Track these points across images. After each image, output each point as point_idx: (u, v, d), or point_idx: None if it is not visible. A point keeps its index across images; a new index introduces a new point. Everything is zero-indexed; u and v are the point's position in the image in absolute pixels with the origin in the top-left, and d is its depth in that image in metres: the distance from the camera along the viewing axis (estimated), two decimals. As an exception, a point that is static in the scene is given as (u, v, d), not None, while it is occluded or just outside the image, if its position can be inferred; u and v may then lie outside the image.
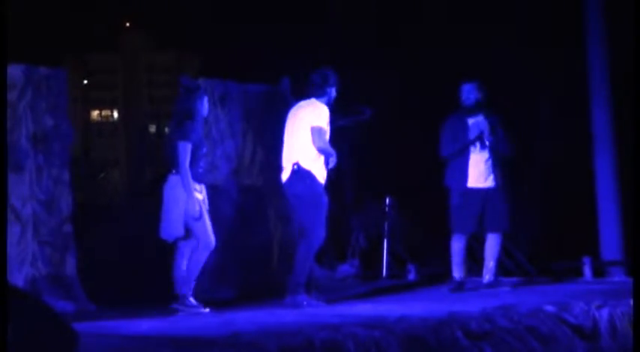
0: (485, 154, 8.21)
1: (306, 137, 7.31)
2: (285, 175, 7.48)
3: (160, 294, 7.18)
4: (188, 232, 6.98)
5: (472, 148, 8.21)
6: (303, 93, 7.68)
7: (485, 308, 6.07)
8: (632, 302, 6.33)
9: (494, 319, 5.78)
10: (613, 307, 6.28)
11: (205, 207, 7.08)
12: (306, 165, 7.31)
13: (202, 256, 7.01)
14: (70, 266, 7.63)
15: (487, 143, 8.16)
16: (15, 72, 7.46)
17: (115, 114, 71.09)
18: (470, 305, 6.34)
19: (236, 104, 8.83)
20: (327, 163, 7.38)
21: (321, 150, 7.28)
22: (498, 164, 8.23)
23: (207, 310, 7.00)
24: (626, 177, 9.58)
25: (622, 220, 9.77)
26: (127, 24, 67.89)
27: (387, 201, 10.20)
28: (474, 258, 8.78)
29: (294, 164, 7.36)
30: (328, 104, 7.49)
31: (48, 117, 7.64)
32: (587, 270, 9.28)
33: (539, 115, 11.60)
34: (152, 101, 68.02)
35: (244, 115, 8.88)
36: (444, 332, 5.45)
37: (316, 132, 7.25)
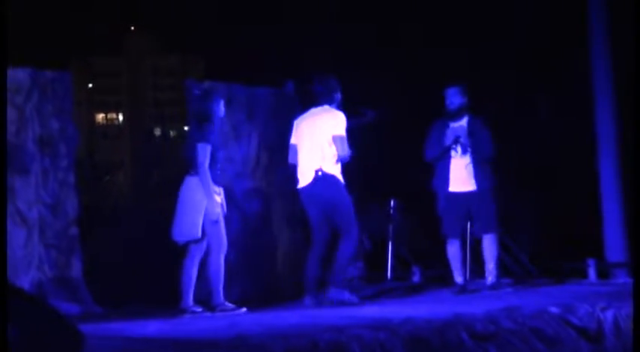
0: (467, 158, 8.20)
1: (326, 144, 7.55)
2: (304, 181, 7.68)
3: (165, 296, 7.19)
4: (202, 235, 7.00)
5: (453, 152, 8.21)
6: (310, 99, 7.84)
7: (489, 310, 6.06)
8: (632, 302, 6.31)
9: (498, 321, 5.76)
10: (618, 309, 6.26)
11: (223, 211, 7.14)
12: (328, 169, 7.56)
13: (219, 260, 7.04)
14: (76, 268, 7.66)
15: (461, 148, 8.15)
16: (21, 75, 7.50)
17: (120, 117, 71.20)
18: (474, 307, 6.33)
19: (240, 107, 8.83)
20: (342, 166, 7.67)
21: (346, 158, 7.58)
22: (480, 167, 8.18)
23: (244, 309, 7.08)
24: (630, 178, 9.57)
25: (626, 221, 9.75)
26: (132, 27, 68.02)
27: (392, 203, 10.21)
28: (478, 260, 8.77)
29: (317, 170, 7.58)
30: (337, 109, 7.71)
31: (54, 120, 7.68)
32: (592, 272, 9.27)
33: (542, 115, 11.60)
34: (157, 104, 68.13)
35: (248, 118, 8.89)
36: (448, 334, 5.44)
37: (339, 140, 7.52)
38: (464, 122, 8.30)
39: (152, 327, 6.00)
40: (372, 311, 6.83)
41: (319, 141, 7.58)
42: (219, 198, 7.05)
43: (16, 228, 7.29)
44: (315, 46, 11.48)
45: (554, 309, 6.08)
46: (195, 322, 6.48)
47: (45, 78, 7.68)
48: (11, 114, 7.31)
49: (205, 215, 6.92)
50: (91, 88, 67.84)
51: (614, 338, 6.13)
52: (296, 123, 7.85)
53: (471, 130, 8.23)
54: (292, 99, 9.08)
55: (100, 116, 70.75)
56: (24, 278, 7.27)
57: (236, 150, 8.76)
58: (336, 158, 7.56)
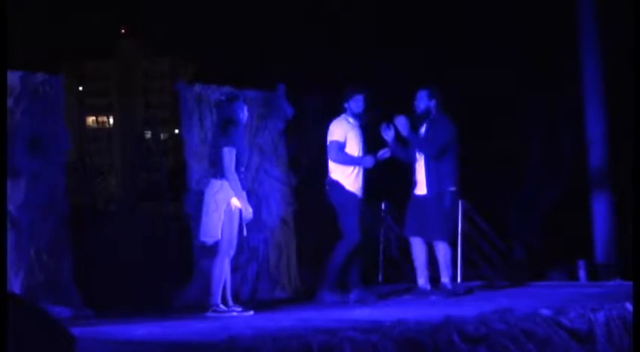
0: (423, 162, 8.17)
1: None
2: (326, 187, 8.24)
3: (156, 299, 7.17)
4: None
5: (418, 156, 8.20)
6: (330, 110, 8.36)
7: (481, 312, 6.05)
8: (629, 305, 6.31)
9: (490, 322, 5.74)
10: (608, 310, 6.26)
11: (241, 217, 7.17)
12: (334, 176, 8.11)
13: (224, 262, 7.14)
14: (66, 271, 7.63)
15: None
16: (12, 78, 7.47)
17: (111, 120, 71.05)
18: (466, 309, 6.33)
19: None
20: (361, 170, 8.10)
21: (335, 161, 8.07)
22: (433, 171, 8.11)
23: (240, 309, 7.10)
24: (620, 180, 9.58)
25: (616, 223, 9.76)
26: (123, 31, 67.89)
27: (383, 205, 10.21)
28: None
29: (327, 177, 8.16)
30: (355, 116, 8.16)
31: (44, 123, 7.65)
32: (582, 274, 9.27)
33: (532, 119, 11.59)
34: (147, 107, 67.97)
35: (240, 121, 8.87)
36: (440, 336, 5.42)
37: (330, 146, 8.10)
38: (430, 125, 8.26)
39: (142, 330, 5.96)
40: (363, 313, 6.82)
41: (327, 150, 8.15)
42: (239, 202, 7.13)
43: (7, 231, 7.25)
44: (306, 48, 11.47)
45: (545, 311, 6.07)
46: (186, 325, 6.44)
47: (35, 80, 7.67)
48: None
49: (240, 216, 7.10)
50: (81, 91, 67.68)
51: (605, 339, 6.12)
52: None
53: (430, 136, 8.18)
54: (283, 102, 9.08)
55: (91, 119, 70.60)
56: (14, 282, 7.23)
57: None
58: (343, 165, 8.04)
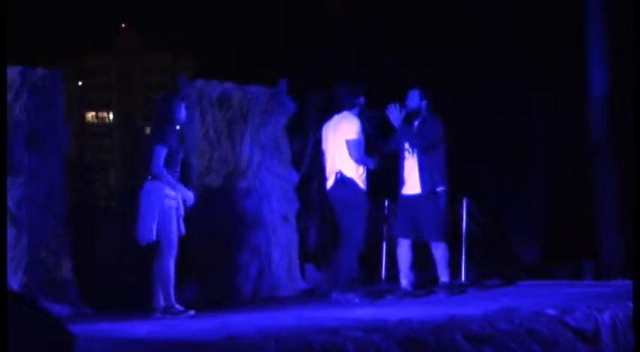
0: (416, 161, 8.08)
1: (344, 149, 7.90)
2: (329, 183, 8.04)
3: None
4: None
5: (407, 154, 8.12)
6: (333, 105, 8.15)
7: (485, 312, 6.00)
8: (631, 304, 6.26)
9: (494, 322, 5.69)
10: (614, 310, 6.21)
11: (179, 213, 7.07)
12: (348, 173, 7.89)
13: (169, 262, 6.95)
14: (66, 269, 7.58)
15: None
16: (11, 73, 7.41)
17: (111, 116, 71.00)
18: (470, 309, 6.28)
19: (233, 106, 8.79)
20: (366, 169, 7.96)
21: (357, 161, 7.88)
22: (426, 170, 8.02)
23: (193, 312, 6.93)
24: (627, 180, 9.52)
25: (622, 222, 9.71)
26: (123, 25, 67.81)
27: (386, 204, 10.15)
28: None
29: (337, 173, 7.93)
30: (360, 114, 8.03)
31: (43, 119, 7.60)
32: (588, 273, 9.21)
33: (537, 117, 11.55)
34: (148, 103, 67.85)
35: (242, 117, 8.83)
36: (443, 336, 5.37)
37: (351, 145, 7.86)
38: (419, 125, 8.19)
39: (142, 328, 5.93)
40: (366, 312, 6.76)
41: (339, 147, 7.92)
42: (173, 202, 7.01)
43: (6, 229, 7.19)
44: (310, 45, 11.42)
45: (550, 311, 6.03)
46: (185, 324, 6.40)
47: (35, 76, 7.61)
48: None
49: (162, 218, 6.92)
50: (80, 86, 67.60)
51: (611, 339, 6.08)
52: (323, 129, 8.17)
53: (419, 131, 8.11)
54: (285, 98, 9.03)
55: (90, 114, 70.50)
56: (13, 279, 7.18)
57: (229, 149, 8.71)
58: (354, 163, 7.87)
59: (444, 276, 8.07)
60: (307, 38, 11.85)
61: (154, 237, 6.92)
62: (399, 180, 8.20)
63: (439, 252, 8.04)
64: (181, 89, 8.61)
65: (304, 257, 9.35)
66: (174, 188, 6.99)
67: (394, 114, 8.07)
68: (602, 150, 9.79)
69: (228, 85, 8.82)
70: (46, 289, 7.35)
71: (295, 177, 9.26)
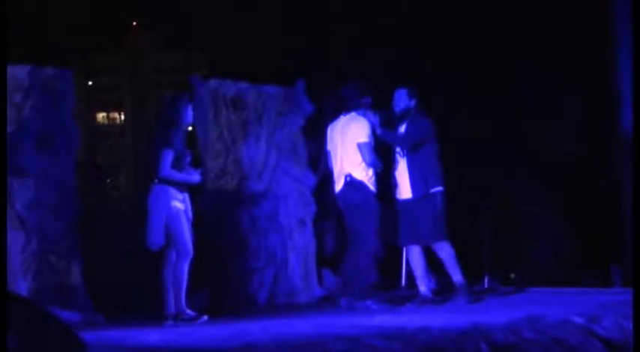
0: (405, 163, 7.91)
1: (354, 151, 7.78)
2: (338, 186, 7.94)
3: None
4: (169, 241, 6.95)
5: (398, 157, 7.94)
6: (339, 106, 8.04)
7: (510, 319, 5.85)
8: (632, 304, 6.11)
9: (519, 331, 5.56)
10: (644, 318, 6.06)
11: (187, 217, 7.02)
12: (357, 176, 7.79)
13: (184, 267, 6.91)
14: (76, 274, 7.47)
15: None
16: (20, 73, 7.32)
17: (122, 116, 71.18)
18: (494, 316, 6.13)
19: (248, 106, 8.69)
20: (375, 172, 7.88)
21: (370, 164, 7.78)
22: (416, 173, 7.81)
23: (206, 317, 6.87)
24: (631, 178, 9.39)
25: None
26: (134, 23, 67.95)
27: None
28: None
29: (346, 176, 7.83)
30: (365, 114, 7.87)
31: (53, 119, 7.51)
32: (618, 280, 9.05)
33: (565, 121, 11.45)
34: (160, 102, 68.02)
35: (257, 118, 8.74)
36: (466, 345, 5.24)
37: (363, 148, 7.76)
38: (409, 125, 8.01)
39: (155, 336, 5.82)
40: (385, 319, 6.63)
41: (347, 149, 7.82)
42: (181, 205, 6.96)
43: (15, 232, 7.10)
44: (325, 43, 11.33)
45: (578, 319, 5.89)
46: (200, 330, 6.29)
47: (44, 75, 7.51)
48: (9, 112, 7.14)
49: (172, 222, 6.88)
50: (91, 86, 67.78)
51: (641, 349, 5.91)
52: (329, 130, 8.07)
53: (407, 132, 7.92)
54: (303, 98, 8.93)
55: (101, 115, 70.69)
56: (22, 285, 7.07)
57: (244, 150, 8.62)
58: (364, 165, 7.77)
59: (455, 276, 7.85)
60: (325, 37, 11.78)
61: (164, 241, 6.87)
62: (392, 184, 8.00)
63: (444, 252, 7.83)
64: (195, 89, 8.52)
65: (321, 262, 9.22)
66: (179, 193, 6.92)
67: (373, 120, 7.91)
68: (631, 151, 9.65)
69: (243, 84, 8.73)
70: (55, 295, 7.25)
71: (312, 180, 9.14)
